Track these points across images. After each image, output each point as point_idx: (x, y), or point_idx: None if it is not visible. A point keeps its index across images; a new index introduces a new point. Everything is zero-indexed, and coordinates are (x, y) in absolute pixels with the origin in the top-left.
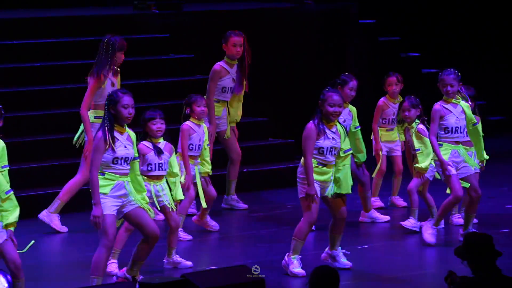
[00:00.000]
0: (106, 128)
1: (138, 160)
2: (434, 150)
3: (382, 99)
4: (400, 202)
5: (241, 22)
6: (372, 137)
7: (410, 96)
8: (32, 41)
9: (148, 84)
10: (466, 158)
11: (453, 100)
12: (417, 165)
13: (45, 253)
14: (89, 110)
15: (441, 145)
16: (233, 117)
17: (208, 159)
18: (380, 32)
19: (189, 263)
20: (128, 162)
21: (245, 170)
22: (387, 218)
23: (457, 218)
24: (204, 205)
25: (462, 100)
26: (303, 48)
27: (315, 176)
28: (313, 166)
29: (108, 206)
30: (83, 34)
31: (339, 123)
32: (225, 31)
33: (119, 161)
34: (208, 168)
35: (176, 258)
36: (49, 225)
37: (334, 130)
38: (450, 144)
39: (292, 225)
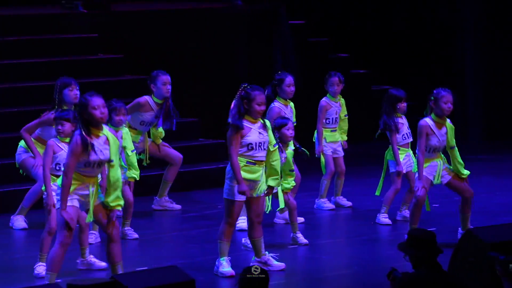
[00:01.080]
0: (83, 134)
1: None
2: (419, 168)
3: (324, 99)
4: (345, 202)
5: (171, 22)
6: (315, 138)
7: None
8: None
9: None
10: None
11: (441, 120)
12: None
13: None
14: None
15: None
16: (157, 136)
17: (136, 164)
18: (309, 33)
19: (103, 264)
20: (102, 165)
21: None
22: (301, 219)
23: (384, 218)
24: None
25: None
26: (232, 48)
27: (244, 175)
28: (242, 165)
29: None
30: (9, 33)
31: (262, 118)
32: (154, 31)
33: (92, 164)
34: (135, 173)
35: (90, 258)
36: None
37: (259, 125)
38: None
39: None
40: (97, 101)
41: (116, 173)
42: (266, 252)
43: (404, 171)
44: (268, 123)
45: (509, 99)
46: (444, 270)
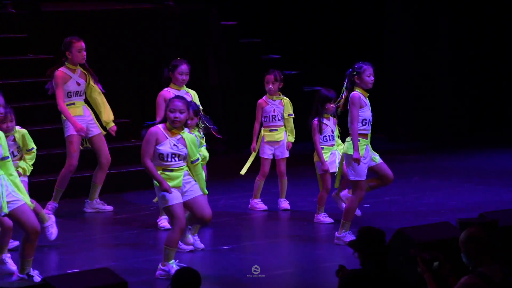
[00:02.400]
0: None
1: (10, 159)
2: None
3: (263, 97)
4: (285, 205)
5: (102, 23)
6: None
7: None
8: None
9: (5, 84)
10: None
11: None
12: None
13: None
14: None
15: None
16: (108, 119)
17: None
18: (241, 34)
19: (13, 267)
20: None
21: (108, 171)
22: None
23: (324, 217)
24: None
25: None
26: (164, 49)
27: (170, 181)
28: (159, 173)
29: None
30: None
31: (189, 132)
32: (85, 31)
33: None
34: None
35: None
36: None
37: (178, 137)
38: (364, 139)
39: (156, 226)
40: None
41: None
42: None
43: (331, 170)
44: (190, 137)
45: (438, 100)
46: (389, 268)
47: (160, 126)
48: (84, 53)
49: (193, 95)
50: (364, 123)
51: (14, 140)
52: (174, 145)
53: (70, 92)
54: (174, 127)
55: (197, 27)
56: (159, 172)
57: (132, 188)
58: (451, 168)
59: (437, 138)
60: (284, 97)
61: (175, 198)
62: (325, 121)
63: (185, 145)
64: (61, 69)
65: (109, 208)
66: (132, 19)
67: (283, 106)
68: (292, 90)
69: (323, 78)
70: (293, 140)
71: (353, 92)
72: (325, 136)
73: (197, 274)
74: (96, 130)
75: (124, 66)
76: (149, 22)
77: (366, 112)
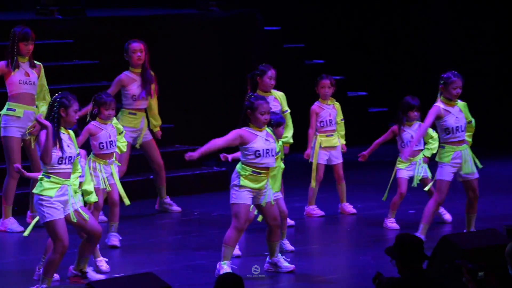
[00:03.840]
0: (53, 129)
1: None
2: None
3: (316, 103)
4: (350, 209)
5: (147, 28)
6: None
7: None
8: None
9: (52, 90)
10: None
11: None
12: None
13: None
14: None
15: (443, 147)
16: (156, 123)
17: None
18: (285, 39)
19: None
20: (71, 161)
21: (151, 177)
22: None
23: (391, 223)
24: (127, 202)
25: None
26: (208, 55)
27: (249, 184)
28: (247, 174)
29: (57, 210)
30: None
31: (267, 126)
32: (130, 37)
33: (64, 161)
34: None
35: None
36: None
37: (264, 133)
38: (452, 146)
39: (199, 231)
40: (77, 105)
41: None
42: (279, 254)
43: (407, 178)
44: (270, 130)
45: (488, 105)
46: (428, 276)
47: (245, 129)
48: (139, 54)
49: (281, 98)
50: (447, 132)
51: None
52: (266, 139)
53: (135, 95)
54: (261, 128)
55: (241, 33)
56: (248, 172)
57: (174, 193)
58: (498, 174)
59: (481, 143)
60: (336, 102)
61: (245, 198)
62: (406, 128)
63: (272, 137)
64: (125, 72)
65: (177, 209)
66: (176, 25)
67: (336, 110)
68: (336, 95)
69: (367, 83)
70: (344, 143)
71: (435, 103)
72: (403, 142)
73: (240, 279)
74: (148, 135)
75: (167, 71)
76: (193, 28)
77: (449, 121)
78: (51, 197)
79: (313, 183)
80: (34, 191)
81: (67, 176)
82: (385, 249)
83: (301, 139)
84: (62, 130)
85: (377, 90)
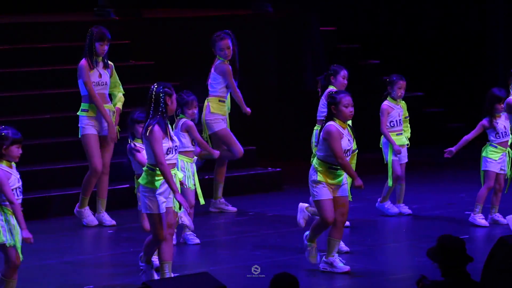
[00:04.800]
0: (162, 120)
1: None
2: None
3: (385, 102)
4: (406, 209)
5: (201, 29)
6: (382, 143)
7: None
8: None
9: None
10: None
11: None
12: None
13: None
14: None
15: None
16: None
17: None
18: (340, 39)
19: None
20: (177, 151)
21: (206, 177)
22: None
23: (480, 218)
24: (202, 201)
25: None
26: (263, 55)
27: (326, 179)
28: (325, 169)
29: (160, 204)
30: (42, 40)
31: (349, 125)
32: (185, 37)
33: (171, 151)
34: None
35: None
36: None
37: (346, 131)
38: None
39: (255, 231)
40: None
41: None
42: (335, 254)
43: (497, 171)
44: (351, 129)
45: None
46: (473, 280)
47: (332, 123)
48: (226, 52)
49: (403, 106)
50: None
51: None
52: (348, 140)
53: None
54: (346, 121)
55: (295, 33)
56: (325, 168)
57: (230, 193)
58: None
59: None
60: (401, 100)
61: (326, 193)
62: (498, 120)
63: (351, 137)
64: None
65: (232, 209)
66: (231, 25)
67: (402, 109)
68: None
69: (421, 82)
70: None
71: (509, 97)
72: (498, 134)
73: (295, 280)
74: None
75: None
76: (248, 28)
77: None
78: (155, 189)
79: (390, 182)
80: (140, 181)
81: (172, 166)
82: (426, 251)
83: (366, 139)
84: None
85: (433, 90)
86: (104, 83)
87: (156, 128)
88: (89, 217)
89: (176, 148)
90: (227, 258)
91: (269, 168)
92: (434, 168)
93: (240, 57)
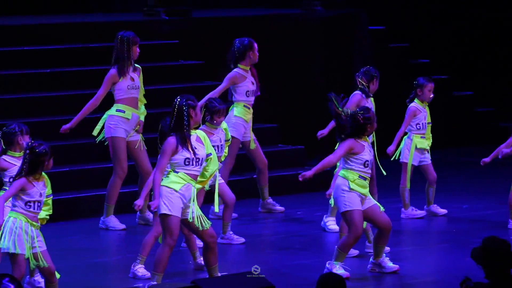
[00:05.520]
0: (182, 133)
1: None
2: None
3: (413, 104)
4: (439, 210)
5: (250, 28)
6: (404, 143)
7: None
8: (42, 48)
9: (157, 90)
10: None
11: None
12: None
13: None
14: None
15: None
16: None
17: None
18: (390, 39)
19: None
20: (199, 163)
21: (254, 176)
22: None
23: None
24: (217, 209)
25: None
26: (311, 54)
27: (358, 188)
28: (355, 178)
29: (177, 206)
30: (92, 40)
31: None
32: (234, 37)
33: (191, 162)
34: None
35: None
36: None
37: (367, 143)
38: None
39: (302, 231)
40: None
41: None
42: (384, 255)
43: None
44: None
45: None
46: None
47: (353, 140)
48: (257, 54)
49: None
50: None
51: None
52: (370, 150)
53: (249, 91)
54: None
55: (345, 32)
56: (356, 177)
57: (278, 193)
58: None
59: None
60: (427, 105)
61: (357, 203)
62: None
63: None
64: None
65: (280, 208)
66: (280, 25)
67: (427, 113)
68: (441, 95)
69: (473, 82)
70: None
71: None
72: None
73: (342, 280)
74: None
75: (270, 71)
76: (297, 27)
77: None
78: (175, 190)
79: (409, 185)
80: (162, 182)
81: (194, 177)
82: (471, 253)
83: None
84: (192, 132)
85: (484, 89)
86: (137, 87)
87: (170, 141)
88: (114, 221)
89: (198, 160)
90: (275, 258)
91: None
92: (484, 168)
93: (288, 57)
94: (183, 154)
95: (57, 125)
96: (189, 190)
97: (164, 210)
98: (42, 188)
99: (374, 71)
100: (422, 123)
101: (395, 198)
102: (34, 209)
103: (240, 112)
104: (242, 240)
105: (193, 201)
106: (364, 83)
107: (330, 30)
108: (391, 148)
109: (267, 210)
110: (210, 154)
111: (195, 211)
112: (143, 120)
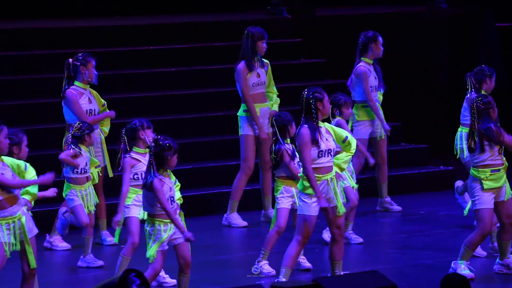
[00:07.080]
0: (313, 124)
1: None
2: None
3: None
4: None
5: (374, 26)
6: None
7: None
8: (166, 47)
9: (278, 89)
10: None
11: None
12: None
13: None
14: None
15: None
16: None
17: None
18: None
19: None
20: (332, 153)
21: (375, 175)
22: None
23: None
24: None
25: None
26: (436, 52)
27: (492, 184)
28: (488, 175)
29: (314, 207)
30: (217, 39)
31: None
32: (357, 35)
33: (323, 154)
34: None
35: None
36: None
37: None
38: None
39: (424, 231)
40: None
41: None
42: (510, 255)
43: None
44: None
45: None
46: None
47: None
48: (382, 48)
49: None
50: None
51: None
52: None
53: (372, 87)
54: None
55: (470, 30)
56: (487, 173)
57: (401, 192)
58: None
59: None
60: None
61: (487, 202)
62: None
63: None
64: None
65: (397, 208)
66: (404, 22)
67: None
68: None
69: None
70: None
71: None
72: None
73: (466, 281)
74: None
75: (395, 69)
76: (422, 25)
77: None
78: (310, 195)
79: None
80: (298, 186)
81: (325, 170)
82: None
83: None
84: (320, 124)
85: None
86: (263, 83)
87: (304, 131)
88: (237, 218)
89: (329, 151)
90: (397, 257)
91: (441, 167)
92: None
93: (412, 54)
94: (315, 147)
95: (187, 123)
96: (323, 186)
97: (304, 211)
98: (170, 182)
99: (487, 69)
100: None
101: None
102: (170, 204)
103: (362, 116)
104: (360, 240)
105: (334, 188)
106: (474, 84)
107: (455, 28)
108: None
109: (384, 209)
110: (347, 137)
111: (338, 198)
112: (276, 110)
